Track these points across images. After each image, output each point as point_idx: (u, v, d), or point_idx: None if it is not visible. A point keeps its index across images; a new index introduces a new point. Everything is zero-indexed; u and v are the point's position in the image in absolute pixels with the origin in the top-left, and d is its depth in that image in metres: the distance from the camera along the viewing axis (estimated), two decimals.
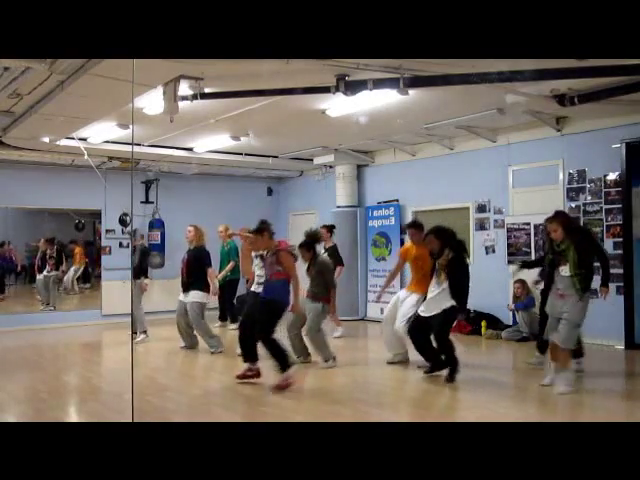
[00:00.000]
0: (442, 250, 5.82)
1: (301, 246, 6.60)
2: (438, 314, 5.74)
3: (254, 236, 5.75)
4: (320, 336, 6.55)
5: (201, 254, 7.56)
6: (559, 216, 5.51)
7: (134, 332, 8.20)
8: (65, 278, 11.69)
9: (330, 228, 8.73)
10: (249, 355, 5.78)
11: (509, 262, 8.65)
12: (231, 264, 9.53)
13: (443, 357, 5.83)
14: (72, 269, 11.72)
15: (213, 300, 8.25)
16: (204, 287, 7.49)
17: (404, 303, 6.40)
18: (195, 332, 7.58)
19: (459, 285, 5.75)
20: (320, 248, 8.08)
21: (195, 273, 7.46)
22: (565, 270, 5.25)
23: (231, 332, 9.40)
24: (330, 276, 6.76)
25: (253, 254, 6.20)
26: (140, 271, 8.22)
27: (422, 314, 5.86)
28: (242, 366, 5.83)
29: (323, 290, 6.61)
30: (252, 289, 6.28)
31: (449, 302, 5.71)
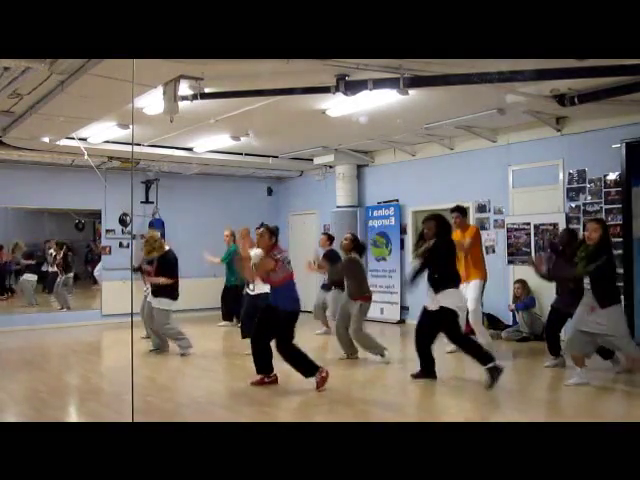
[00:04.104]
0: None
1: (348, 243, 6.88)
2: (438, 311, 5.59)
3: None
4: (365, 335, 6.68)
5: (165, 261, 7.29)
6: (603, 221, 5.64)
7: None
8: (97, 276, 11.90)
9: (330, 237, 8.68)
10: (265, 368, 5.68)
11: (509, 262, 8.66)
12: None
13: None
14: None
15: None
16: (171, 294, 7.26)
17: (467, 292, 6.64)
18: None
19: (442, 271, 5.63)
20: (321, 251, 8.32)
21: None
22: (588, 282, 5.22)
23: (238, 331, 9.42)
24: (361, 275, 6.87)
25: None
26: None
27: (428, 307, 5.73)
28: (244, 366, 5.81)
29: (358, 290, 6.72)
30: (248, 291, 6.40)
31: (439, 302, 5.57)
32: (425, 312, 5.79)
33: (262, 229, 5.75)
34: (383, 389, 5.81)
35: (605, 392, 5.51)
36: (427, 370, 5.82)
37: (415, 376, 5.85)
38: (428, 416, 4.84)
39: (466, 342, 5.71)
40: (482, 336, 6.77)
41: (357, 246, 6.93)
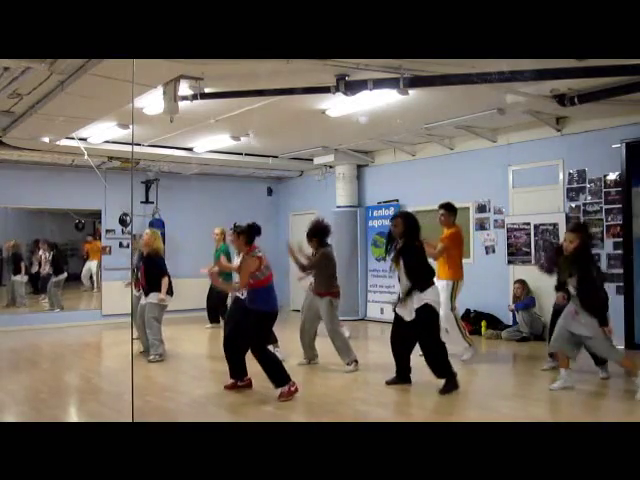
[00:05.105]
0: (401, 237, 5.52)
1: (307, 236, 6.50)
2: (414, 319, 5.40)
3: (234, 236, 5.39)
4: (343, 337, 6.40)
5: (156, 261, 7.14)
6: (581, 229, 5.39)
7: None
8: (82, 274, 11.87)
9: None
10: (237, 372, 5.58)
11: (509, 262, 8.66)
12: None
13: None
14: (92, 265, 11.77)
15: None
16: (168, 289, 7.14)
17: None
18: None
19: (416, 271, 5.44)
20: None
21: (154, 279, 7.08)
22: (571, 288, 5.15)
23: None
24: (330, 270, 6.47)
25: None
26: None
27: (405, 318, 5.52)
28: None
29: (325, 285, 6.38)
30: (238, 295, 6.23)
31: (421, 300, 5.40)
32: (398, 319, 5.62)
33: (232, 232, 5.40)
34: (382, 389, 5.80)
35: (596, 395, 5.51)
36: (403, 375, 5.68)
37: (390, 382, 5.71)
38: (425, 416, 4.84)
39: (439, 348, 5.44)
40: (454, 343, 6.41)
41: (319, 233, 6.48)
